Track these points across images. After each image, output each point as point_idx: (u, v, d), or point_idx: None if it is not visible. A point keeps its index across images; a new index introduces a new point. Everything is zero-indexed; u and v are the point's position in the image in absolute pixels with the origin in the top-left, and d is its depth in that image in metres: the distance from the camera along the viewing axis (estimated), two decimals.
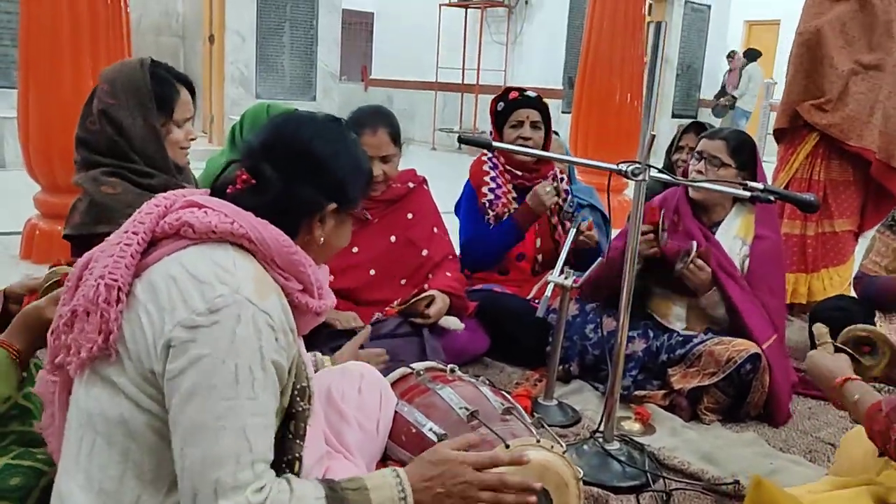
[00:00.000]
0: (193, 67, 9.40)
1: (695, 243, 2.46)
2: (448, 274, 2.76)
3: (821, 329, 1.81)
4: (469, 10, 10.95)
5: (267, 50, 8.70)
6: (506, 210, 2.98)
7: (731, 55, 12.40)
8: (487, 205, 3.01)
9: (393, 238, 2.70)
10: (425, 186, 2.85)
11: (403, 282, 2.70)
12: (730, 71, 12.29)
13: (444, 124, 11.36)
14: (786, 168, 3.65)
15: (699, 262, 2.45)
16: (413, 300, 2.55)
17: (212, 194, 1.28)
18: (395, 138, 2.61)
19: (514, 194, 3.04)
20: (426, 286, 2.65)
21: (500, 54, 10.72)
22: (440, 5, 11.05)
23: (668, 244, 2.51)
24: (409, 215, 2.76)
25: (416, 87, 12.00)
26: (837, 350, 1.73)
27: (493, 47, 10.81)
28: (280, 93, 8.76)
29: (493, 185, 3.03)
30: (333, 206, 1.30)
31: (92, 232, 1.98)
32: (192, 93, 2.19)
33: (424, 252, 2.76)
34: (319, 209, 1.29)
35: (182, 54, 10.08)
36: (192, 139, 2.23)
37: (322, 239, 1.31)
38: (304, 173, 1.27)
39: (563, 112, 10.10)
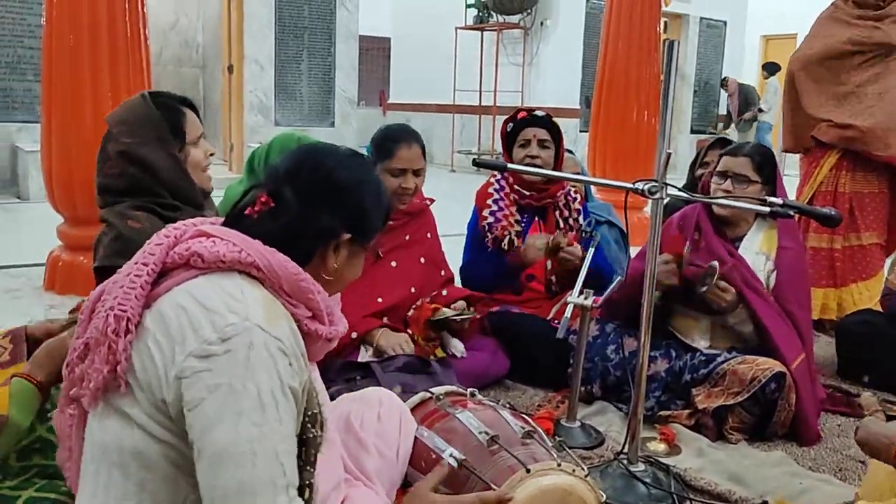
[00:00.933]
0: (213, 96, 9.53)
1: (716, 264, 2.42)
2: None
3: (869, 399, 1.75)
4: (485, 32, 11.01)
5: (285, 78, 8.79)
6: (506, 233, 2.97)
7: (723, 83, 12.37)
8: (487, 227, 3.01)
9: (422, 259, 2.77)
10: (433, 209, 2.92)
11: (419, 301, 2.71)
12: (729, 96, 12.28)
13: (462, 146, 11.39)
14: (810, 182, 3.62)
15: (723, 283, 2.42)
16: (452, 316, 2.60)
17: (228, 218, 1.29)
18: (424, 153, 2.71)
19: (518, 217, 3.03)
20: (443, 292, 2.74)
21: (517, 75, 10.76)
22: (456, 28, 11.12)
23: (688, 269, 2.48)
24: (428, 234, 2.83)
25: (434, 110, 12.06)
26: (890, 418, 1.67)
27: (509, 69, 10.85)
28: (299, 119, 8.84)
29: (494, 207, 3.04)
30: (348, 235, 1.30)
31: (116, 264, 1.98)
32: (195, 111, 2.20)
33: (443, 272, 2.85)
34: (334, 237, 1.29)
35: (202, 84, 10.23)
36: (212, 154, 2.23)
37: (335, 267, 1.30)
38: (324, 200, 1.27)
39: (581, 131, 10.10)
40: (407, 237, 2.75)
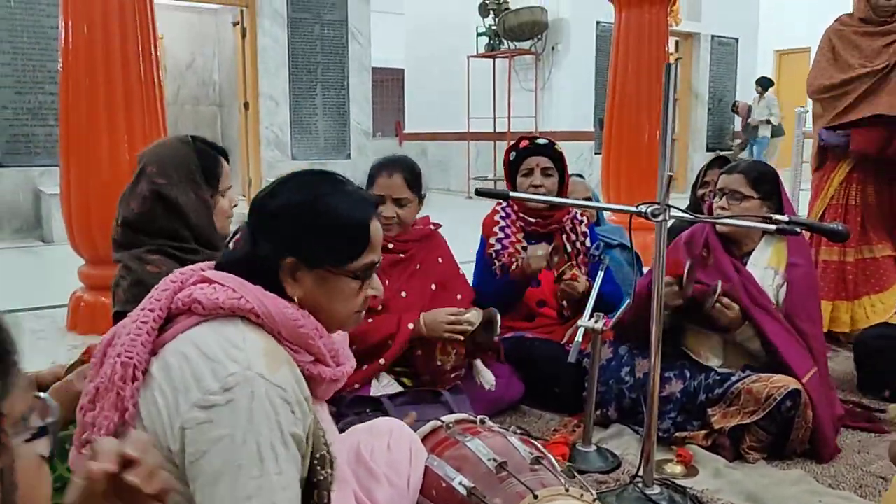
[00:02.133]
0: (231, 133, 9.66)
1: (719, 282, 2.43)
2: None
3: (894, 413, 1.72)
4: (497, 59, 11.09)
5: (300, 113, 8.90)
6: (513, 260, 2.97)
7: (734, 107, 12.38)
8: (494, 255, 3.01)
9: (433, 286, 2.75)
10: (442, 233, 2.91)
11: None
12: (742, 118, 12.30)
13: (478, 173, 11.45)
14: (821, 196, 3.62)
15: (725, 300, 2.43)
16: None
17: (223, 254, 1.32)
18: (412, 184, 2.67)
19: (524, 244, 3.03)
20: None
21: (530, 101, 10.82)
22: (468, 57, 11.21)
23: (694, 289, 2.48)
24: (440, 259, 2.81)
25: (450, 138, 12.14)
26: None
27: (522, 94, 10.91)
28: (315, 153, 8.94)
29: (501, 234, 3.04)
30: (291, 259, 1.25)
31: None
32: (228, 161, 2.23)
33: (459, 296, 2.81)
34: (274, 263, 1.25)
35: (220, 121, 10.39)
36: (235, 206, 2.25)
37: (300, 296, 1.27)
38: (263, 228, 1.28)
39: (596, 153, 10.12)
40: (418, 266, 2.75)
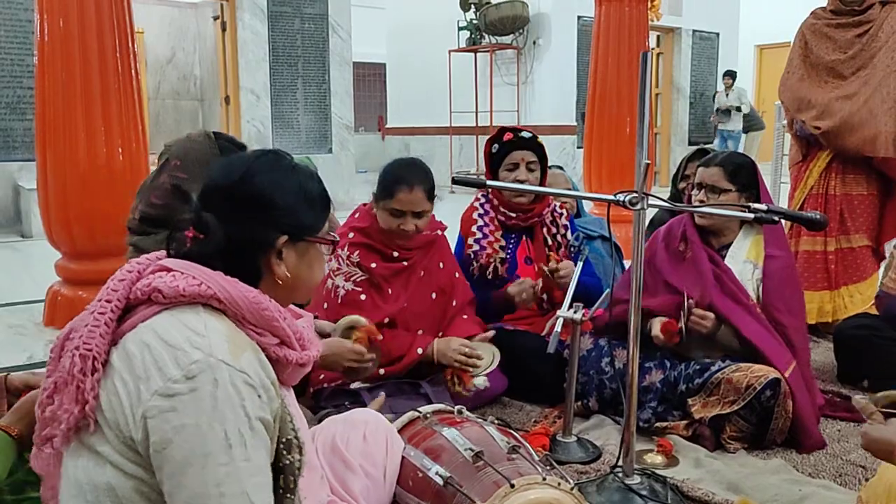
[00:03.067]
0: (212, 127, 9.55)
1: (685, 298, 2.45)
2: (465, 317, 2.80)
3: (862, 402, 1.72)
4: (478, 53, 11.09)
5: (282, 107, 8.86)
6: (490, 261, 2.93)
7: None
8: (472, 255, 2.97)
9: (434, 295, 2.73)
10: (446, 234, 2.87)
11: (420, 331, 2.68)
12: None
13: (460, 167, 11.45)
14: (800, 186, 3.64)
15: (698, 311, 2.45)
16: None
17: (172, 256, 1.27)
18: (430, 195, 2.62)
19: (503, 243, 2.98)
20: (441, 334, 2.68)
21: (512, 95, 10.82)
22: (450, 51, 11.20)
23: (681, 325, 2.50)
24: (441, 264, 2.78)
25: (432, 132, 12.13)
26: (888, 416, 1.65)
27: (504, 89, 10.92)
28: (297, 148, 8.90)
29: (479, 234, 2.99)
30: (285, 238, 1.27)
31: None
32: None
33: (454, 302, 2.80)
34: (271, 244, 1.26)
35: (201, 116, 10.34)
36: None
37: (288, 275, 1.28)
38: (244, 212, 1.25)
39: (578, 147, 10.14)
40: (421, 273, 2.71)
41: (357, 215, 2.72)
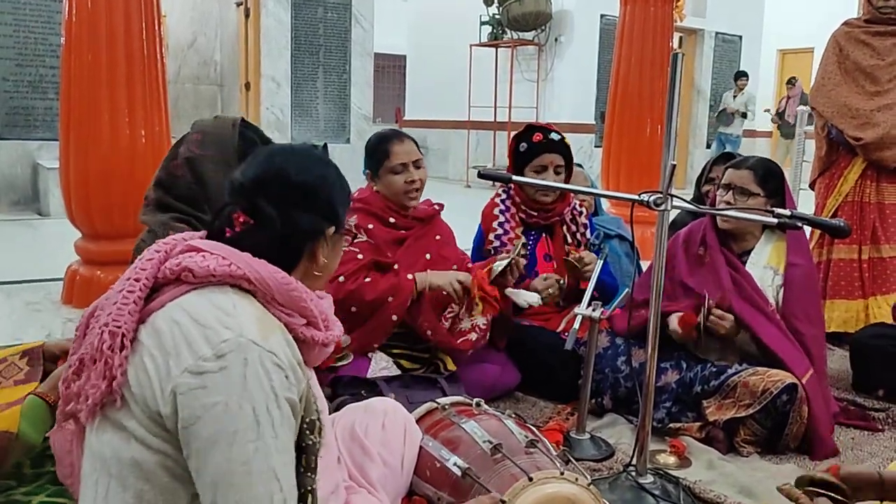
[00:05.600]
0: (231, 113, 9.58)
1: (706, 297, 2.45)
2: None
3: (785, 489, 1.71)
4: (499, 49, 11.06)
5: (301, 95, 8.88)
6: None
7: (791, 82, 12.26)
8: (493, 251, 2.97)
9: (428, 255, 2.73)
10: (444, 217, 2.89)
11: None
12: (788, 98, 12.14)
13: (477, 162, 11.43)
14: (833, 193, 3.59)
15: (718, 312, 2.44)
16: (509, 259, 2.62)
17: (209, 238, 1.29)
18: (418, 147, 2.73)
19: (524, 239, 2.97)
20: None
21: (532, 91, 10.79)
22: (471, 45, 11.18)
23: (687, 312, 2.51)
24: (437, 237, 2.79)
25: (450, 126, 12.12)
26: (818, 494, 1.63)
27: (524, 85, 10.89)
28: (315, 136, 8.92)
29: (500, 231, 3.00)
30: (332, 228, 1.33)
31: None
32: None
33: (455, 266, 2.76)
34: (321, 234, 1.31)
35: (220, 101, 10.36)
36: None
37: (324, 262, 1.33)
38: (301, 202, 1.29)
39: (596, 146, 10.12)
40: (413, 240, 2.73)
41: (356, 193, 2.72)
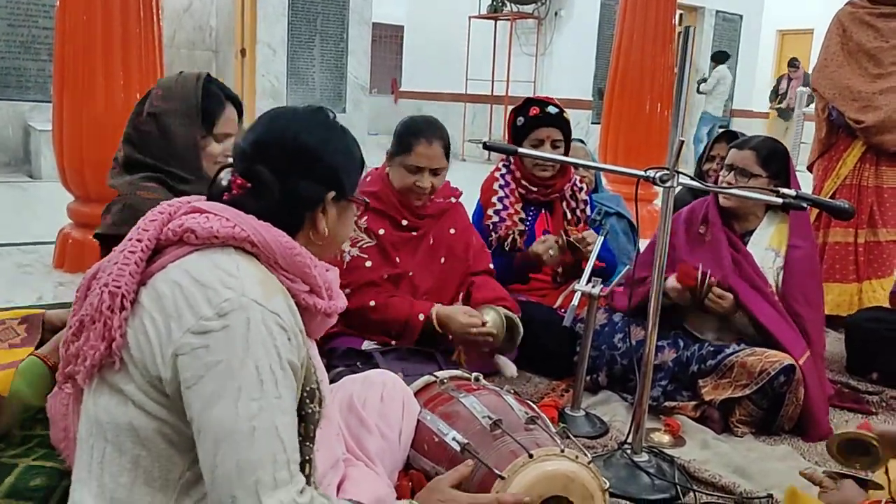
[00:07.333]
0: (226, 80, 9.39)
1: (708, 274, 2.42)
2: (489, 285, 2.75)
3: (808, 472, 1.72)
4: (498, 21, 10.96)
5: (297, 63, 8.78)
6: (509, 233, 2.91)
7: (794, 64, 12.16)
8: (491, 227, 2.93)
9: (443, 259, 2.68)
10: (461, 201, 2.81)
11: (425, 297, 2.63)
12: (789, 78, 12.05)
13: (473, 135, 11.36)
14: (832, 176, 3.57)
15: (717, 290, 2.43)
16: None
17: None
18: (447, 152, 2.58)
19: (523, 215, 2.95)
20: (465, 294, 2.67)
21: (530, 65, 10.72)
22: (469, 17, 11.08)
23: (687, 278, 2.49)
24: (452, 230, 2.73)
25: (446, 98, 12.03)
26: (841, 475, 1.65)
27: (522, 59, 10.81)
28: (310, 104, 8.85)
29: (499, 206, 2.95)
30: (332, 194, 1.28)
31: (120, 233, 1.99)
32: (240, 113, 2.21)
33: (463, 270, 2.75)
34: (320, 201, 1.27)
35: (215, 67, 10.20)
36: (229, 156, 2.23)
37: (327, 231, 1.29)
38: (299, 167, 1.25)
39: (593, 122, 10.07)
40: (431, 241, 2.67)
41: (368, 178, 2.63)
